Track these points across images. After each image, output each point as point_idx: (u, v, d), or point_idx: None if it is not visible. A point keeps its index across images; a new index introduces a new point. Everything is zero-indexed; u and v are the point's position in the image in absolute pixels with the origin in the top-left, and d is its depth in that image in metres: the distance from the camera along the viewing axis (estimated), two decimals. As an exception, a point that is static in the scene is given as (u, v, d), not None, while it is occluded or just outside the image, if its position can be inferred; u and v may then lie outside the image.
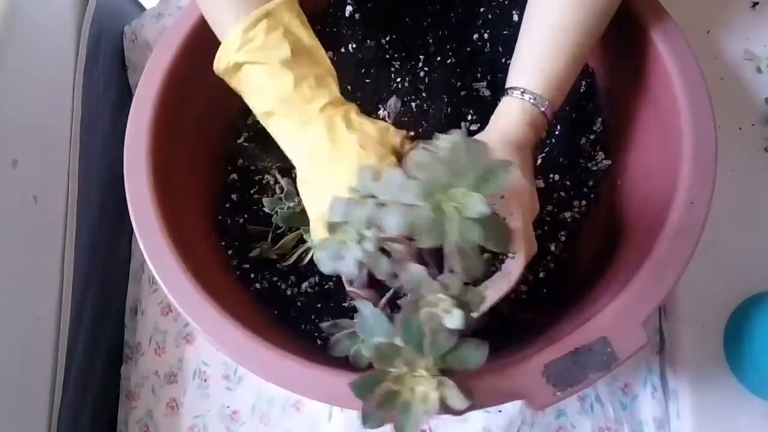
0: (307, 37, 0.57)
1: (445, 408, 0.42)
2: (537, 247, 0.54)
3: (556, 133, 0.72)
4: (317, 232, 0.55)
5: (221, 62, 0.56)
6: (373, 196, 0.47)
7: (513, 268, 0.52)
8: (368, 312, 0.47)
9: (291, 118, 0.55)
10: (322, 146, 0.54)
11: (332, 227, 0.48)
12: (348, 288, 0.56)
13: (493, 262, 0.53)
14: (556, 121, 0.72)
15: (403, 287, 0.46)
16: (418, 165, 0.43)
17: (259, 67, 0.54)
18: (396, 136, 0.56)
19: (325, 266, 0.48)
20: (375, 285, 0.53)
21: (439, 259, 0.52)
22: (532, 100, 0.56)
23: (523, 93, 0.57)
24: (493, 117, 0.58)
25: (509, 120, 0.56)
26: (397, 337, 0.44)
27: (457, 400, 0.42)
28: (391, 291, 0.59)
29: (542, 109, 0.56)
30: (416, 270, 0.45)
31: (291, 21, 0.55)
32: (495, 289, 0.52)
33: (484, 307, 0.50)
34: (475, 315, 0.46)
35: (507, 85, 0.59)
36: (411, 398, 0.43)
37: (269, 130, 0.58)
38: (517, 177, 0.52)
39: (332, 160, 0.54)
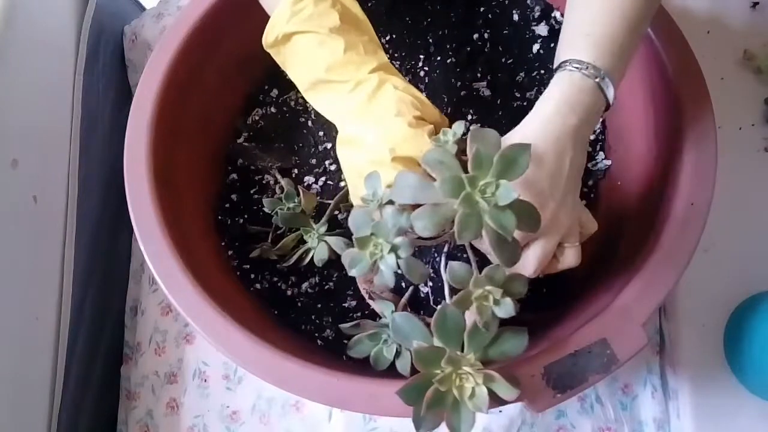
0: (355, 7, 0.57)
1: (496, 400, 0.43)
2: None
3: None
4: (356, 190, 0.53)
5: (270, 35, 0.56)
6: (392, 202, 0.47)
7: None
8: (400, 317, 0.47)
9: (339, 84, 0.54)
10: (364, 103, 0.53)
11: (360, 242, 0.47)
12: (366, 289, 0.56)
13: None
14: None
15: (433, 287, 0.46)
16: (432, 162, 0.44)
17: (310, 36, 0.54)
18: (436, 111, 0.55)
19: (361, 271, 0.48)
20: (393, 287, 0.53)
21: (450, 255, 0.52)
22: (584, 72, 0.48)
23: (572, 64, 0.49)
24: (538, 102, 0.50)
25: (553, 104, 0.48)
26: (435, 338, 0.44)
27: (506, 390, 0.43)
28: (410, 291, 0.59)
29: (598, 82, 0.48)
30: (459, 267, 0.45)
31: None
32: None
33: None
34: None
35: (555, 63, 0.52)
36: (461, 396, 0.43)
37: (315, 102, 0.57)
38: (539, 186, 0.47)
39: (371, 114, 0.53)
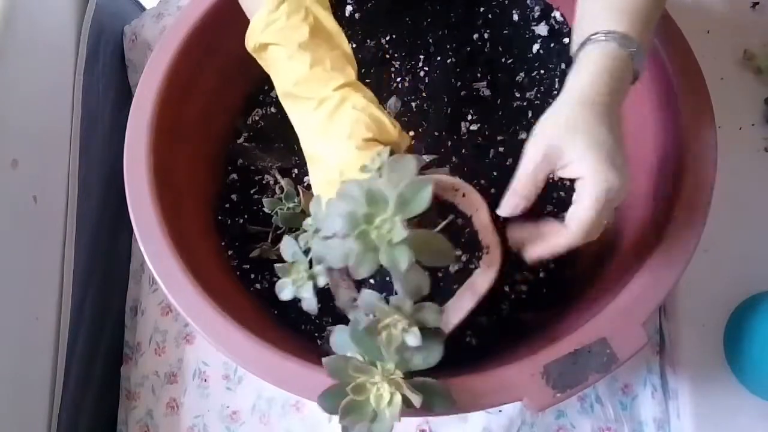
0: (328, 21, 0.57)
1: (408, 405, 0.43)
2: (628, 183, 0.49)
3: (556, 133, 0.72)
4: (320, 192, 0.54)
5: (249, 42, 0.56)
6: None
7: (480, 277, 0.51)
8: (338, 330, 0.48)
9: (305, 100, 0.54)
10: (324, 122, 0.53)
11: (282, 270, 0.52)
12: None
13: (470, 264, 0.52)
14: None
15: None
16: (341, 195, 0.44)
17: (280, 49, 0.54)
18: (395, 130, 0.54)
19: (288, 296, 0.53)
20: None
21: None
22: (613, 40, 0.48)
23: (601, 35, 0.49)
24: (569, 75, 0.50)
25: (590, 75, 0.49)
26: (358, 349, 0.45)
27: (414, 397, 0.43)
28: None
29: (631, 50, 0.49)
30: (368, 295, 0.46)
31: (313, 4, 0.55)
32: (459, 306, 0.50)
33: (455, 320, 0.50)
34: (446, 330, 0.48)
35: (579, 39, 0.51)
36: (378, 405, 0.43)
37: (288, 112, 0.57)
38: (606, 142, 0.47)
39: (329, 134, 0.53)
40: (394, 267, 0.41)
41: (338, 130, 0.52)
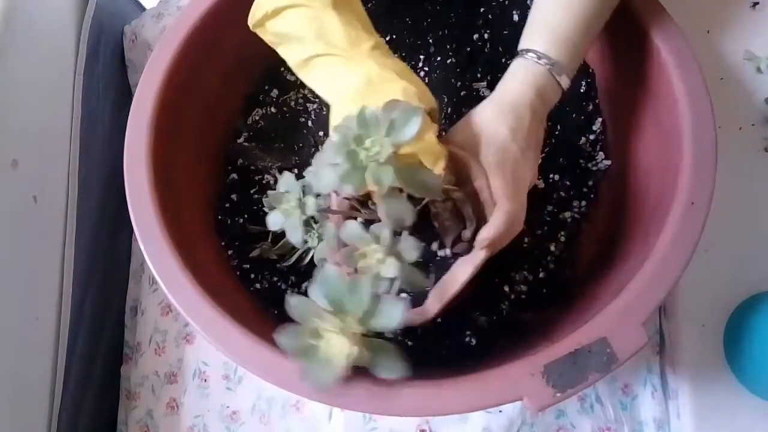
0: None
1: (365, 359, 0.43)
2: (525, 214, 0.53)
3: (556, 133, 0.72)
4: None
5: (259, 10, 0.55)
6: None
7: (479, 252, 0.51)
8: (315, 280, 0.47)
9: (335, 59, 0.54)
10: (363, 86, 0.53)
11: (274, 198, 0.52)
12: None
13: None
14: (555, 121, 0.72)
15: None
16: (337, 128, 0.45)
17: (303, 10, 0.54)
18: (433, 99, 0.55)
19: (276, 225, 0.52)
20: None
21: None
22: (538, 61, 0.55)
23: (529, 53, 0.55)
24: (502, 79, 0.57)
25: (512, 83, 0.56)
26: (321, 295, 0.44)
27: (364, 353, 0.43)
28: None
29: (550, 69, 0.55)
30: (351, 225, 0.46)
31: None
32: (454, 276, 0.51)
33: (453, 290, 0.51)
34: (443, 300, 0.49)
35: (518, 48, 0.58)
36: (328, 352, 0.43)
37: (307, 77, 0.57)
38: (501, 137, 0.52)
39: (372, 96, 0.52)
40: (379, 186, 0.43)
41: (388, 94, 0.52)
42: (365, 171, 0.43)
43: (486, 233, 0.50)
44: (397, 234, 0.46)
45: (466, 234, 0.51)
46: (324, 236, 0.52)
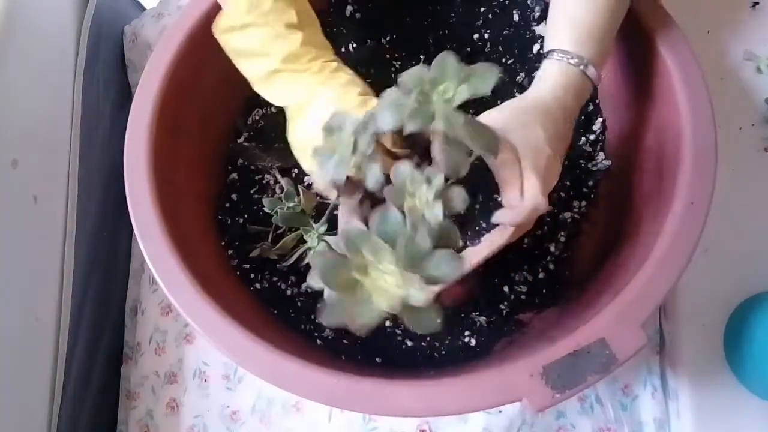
0: (310, 9, 0.60)
1: (407, 309, 0.40)
2: (547, 206, 0.52)
3: (556, 133, 0.72)
4: (302, 159, 0.59)
5: (224, 22, 0.58)
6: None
7: (513, 216, 0.51)
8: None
9: (295, 73, 0.57)
10: (322, 80, 0.56)
11: (328, 134, 0.49)
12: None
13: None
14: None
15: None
16: (406, 75, 0.45)
17: (266, 29, 0.56)
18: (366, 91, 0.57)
19: (325, 174, 0.49)
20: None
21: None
22: (570, 61, 0.55)
23: (559, 53, 0.56)
24: (535, 80, 0.57)
25: (543, 84, 0.56)
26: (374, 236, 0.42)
27: (420, 297, 0.40)
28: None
29: (582, 69, 0.55)
30: (404, 165, 0.46)
31: None
32: (489, 241, 0.51)
33: (481, 256, 0.51)
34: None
35: (544, 49, 0.58)
36: (373, 290, 0.41)
37: (267, 91, 0.59)
38: (533, 137, 0.52)
39: (327, 85, 0.56)
40: (448, 126, 0.42)
41: (338, 81, 0.56)
42: (431, 113, 0.43)
43: (513, 216, 0.51)
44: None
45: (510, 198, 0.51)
46: (369, 177, 0.48)
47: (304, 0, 0.60)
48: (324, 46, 0.60)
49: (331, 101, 0.55)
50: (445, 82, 0.44)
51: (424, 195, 0.44)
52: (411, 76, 0.44)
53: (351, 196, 0.52)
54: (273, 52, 0.57)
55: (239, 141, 0.76)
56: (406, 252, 0.40)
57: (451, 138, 0.44)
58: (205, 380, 0.74)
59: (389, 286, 0.40)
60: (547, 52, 0.57)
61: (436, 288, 0.40)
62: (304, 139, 0.57)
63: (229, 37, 0.58)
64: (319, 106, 0.56)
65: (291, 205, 0.66)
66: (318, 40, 0.59)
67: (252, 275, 0.69)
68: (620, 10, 0.59)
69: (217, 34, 0.59)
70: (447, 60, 0.44)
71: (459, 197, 0.45)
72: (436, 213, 0.43)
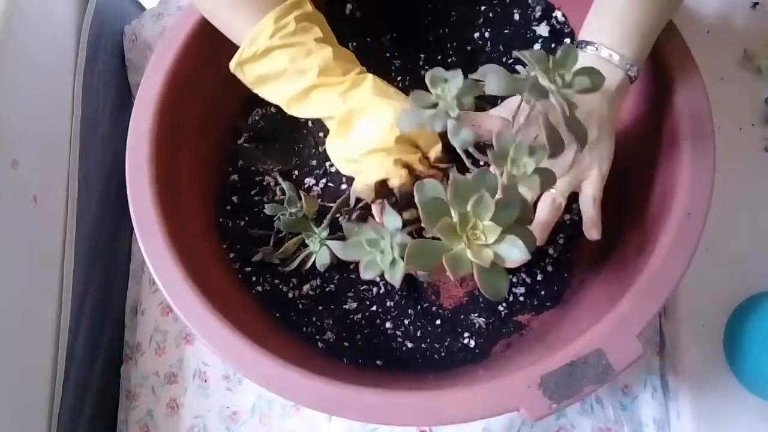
0: (325, 21, 0.61)
1: (484, 272, 0.42)
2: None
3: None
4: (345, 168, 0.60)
5: (248, 50, 0.57)
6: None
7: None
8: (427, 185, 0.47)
9: (333, 86, 0.57)
10: (372, 88, 0.57)
11: (433, 84, 0.49)
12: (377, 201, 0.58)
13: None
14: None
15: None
16: (530, 53, 0.46)
17: (295, 48, 0.57)
18: None
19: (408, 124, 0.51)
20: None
21: None
22: (610, 59, 0.55)
23: (605, 50, 0.55)
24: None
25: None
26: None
27: (518, 256, 0.42)
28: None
29: (627, 69, 0.55)
30: (508, 134, 0.46)
31: (314, 11, 0.60)
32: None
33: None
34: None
35: (581, 38, 0.58)
36: (468, 244, 0.42)
37: (303, 108, 0.59)
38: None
39: (385, 95, 0.57)
40: (567, 101, 0.44)
41: (389, 91, 0.58)
42: (548, 91, 0.45)
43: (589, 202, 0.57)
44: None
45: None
46: (457, 139, 0.50)
47: (319, 15, 0.60)
48: (351, 58, 0.60)
49: (396, 109, 0.55)
50: (566, 67, 0.45)
51: (524, 165, 0.44)
52: (535, 54, 0.45)
53: (388, 198, 0.56)
54: (308, 68, 0.56)
55: (239, 142, 0.76)
56: (501, 213, 0.42)
57: (551, 120, 0.45)
58: (205, 380, 0.74)
59: (486, 242, 0.42)
60: (587, 42, 0.57)
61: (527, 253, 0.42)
62: (352, 148, 0.58)
63: (252, 66, 0.58)
64: (375, 114, 0.56)
65: (293, 210, 0.66)
66: (344, 52, 0.60)
67: (253, 278, 0.69)
68: (667, 11, 0.58)
69: (237, 68, 0.59)
70: (570, 49, 0.46)
71: (549, 178, 0.45)
72: (534, 185, 0.44)
